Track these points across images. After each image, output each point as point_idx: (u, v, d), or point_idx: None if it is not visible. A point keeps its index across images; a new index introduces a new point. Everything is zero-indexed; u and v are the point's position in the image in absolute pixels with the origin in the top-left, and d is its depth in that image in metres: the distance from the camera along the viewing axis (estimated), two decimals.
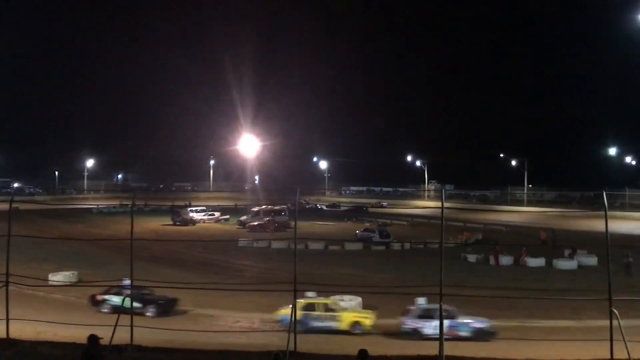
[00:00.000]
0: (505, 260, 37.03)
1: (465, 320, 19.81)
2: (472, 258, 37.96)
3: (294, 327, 13.68)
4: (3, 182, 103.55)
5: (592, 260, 35.73)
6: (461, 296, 18.91)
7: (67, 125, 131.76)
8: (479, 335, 19.41)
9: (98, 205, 75.10)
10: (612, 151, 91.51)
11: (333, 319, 20.55)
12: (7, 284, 14.16)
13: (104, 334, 13.45)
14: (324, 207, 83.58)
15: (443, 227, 14.21)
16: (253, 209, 62.26)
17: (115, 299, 21.34)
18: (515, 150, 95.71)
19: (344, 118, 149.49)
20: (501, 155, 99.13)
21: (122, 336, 13.36)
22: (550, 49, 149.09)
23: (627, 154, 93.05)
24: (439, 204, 14.02)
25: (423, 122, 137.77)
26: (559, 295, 24.81)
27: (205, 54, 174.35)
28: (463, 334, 19.36)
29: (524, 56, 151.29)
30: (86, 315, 18.94)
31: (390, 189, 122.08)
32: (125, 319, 14.07)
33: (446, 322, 15.09)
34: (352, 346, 12.71)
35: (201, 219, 61.65)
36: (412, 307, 20.53)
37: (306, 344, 14.48)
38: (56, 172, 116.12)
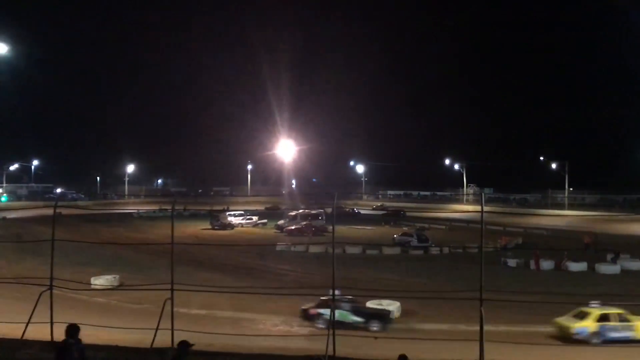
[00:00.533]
0: (546, 264, 36.29)
1: None
2: (512, 263, 37.35)
3: (333, 330, 13.61)
4: (45, 188, 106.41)
5: (636, 265, 34.81)
6: (502, 301, 18.59)
7: (109, 131, 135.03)
8: None
9: (139, 210, 76.19)
10: None
11: (629, 328, 19.74)
12: (51, 287, 14.43)
13: (145, 338, 13.68)
14: (370, 211, 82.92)
15: (483, 231, 13.99)
16: (290, 213, 62.52)
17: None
18: (555, 153, 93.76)
19: (382, 122, 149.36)
20: (541, 158, 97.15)
21: (162, 339, 13.45)
22: (592, 50, 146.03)
23: None
24: (478, 207, 13.83)
25: (462, 124, 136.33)
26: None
27: (244, 60, 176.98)
28: None
29: (565, 57, 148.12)
30: (126, 319, 19.21)
31: (428, 193, 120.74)
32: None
33: None
34: (389, 350, 12.57)
35: (239, 223, 62.07)
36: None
37: (345, 347, 14.39)
38: (98, 178, 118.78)
